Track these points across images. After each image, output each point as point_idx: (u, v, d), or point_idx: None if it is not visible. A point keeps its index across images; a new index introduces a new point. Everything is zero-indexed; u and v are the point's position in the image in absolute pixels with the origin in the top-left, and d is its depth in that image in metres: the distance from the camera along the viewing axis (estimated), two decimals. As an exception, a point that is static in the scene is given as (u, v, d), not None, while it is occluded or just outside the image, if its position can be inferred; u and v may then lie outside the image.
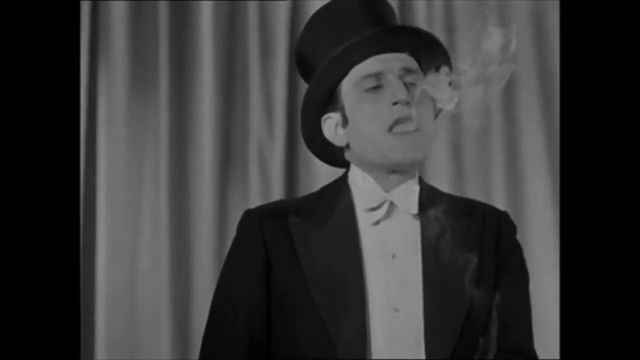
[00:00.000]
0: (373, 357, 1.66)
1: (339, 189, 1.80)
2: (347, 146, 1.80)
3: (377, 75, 1.74)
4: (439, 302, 1.69)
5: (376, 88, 1.74)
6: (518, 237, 1.87)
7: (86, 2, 3.38)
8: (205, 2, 3.44)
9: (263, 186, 3.38)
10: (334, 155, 1.85)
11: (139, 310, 3.32)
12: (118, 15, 3.42)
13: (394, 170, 1.76)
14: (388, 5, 1.83)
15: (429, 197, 1.78)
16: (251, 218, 1.80)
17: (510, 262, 1.79)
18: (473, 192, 3.39)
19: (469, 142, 3.47)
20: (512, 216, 3.34)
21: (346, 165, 1.85)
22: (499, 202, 3.39)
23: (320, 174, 3.26)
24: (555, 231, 3.39)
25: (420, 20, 3.47)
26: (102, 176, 3.36)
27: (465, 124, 3.35)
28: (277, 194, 3.36)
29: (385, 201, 1.76)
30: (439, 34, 3.44)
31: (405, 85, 1.73)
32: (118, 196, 3.36)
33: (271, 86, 3.43)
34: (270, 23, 3.46)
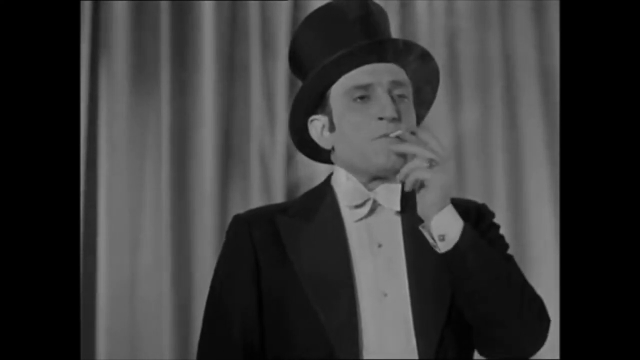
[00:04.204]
0: (364, 341, 1.70)
1: (324, 189, 1.85)
2: (333, 149, 1.82)
3: (366, 87, 1.77)
4: (425, 286, 1.73)
5: (364, 98, 1.77)
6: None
7: (87, 1, 3.38)
8: (206, 1, 3.45)
9: (264, 184, 3.38)
10: (320, 154, 1.88)
11: (140, 308, 3.32)
12: (119, 13, 3.42)
13: (375, 177, 1.79)
14: (383, 13, 1.85)
15: (410, 194, 1.80)
16: (240, 222, 1.84)
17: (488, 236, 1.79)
18: (473, 193, 3.39)
19: (470, 142, 3.48)
20: (512, 216, 3.37)
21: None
22: (500, 203, 3.40)
23: (321, 173, 3.26)
24: (555, 231, 3.40)
25: (421, 20, 3.47)
26: (102, 175, 3.36)
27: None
28: (278, 192, 3.36)
29: (368, 199, 1.79)
30: (439, 36, 3.48)
31: (393, 98, 1.76)
32: (119, 194, 3.36)
33: (272, 85, 3.44)
34: (271, 22, 3.46)
